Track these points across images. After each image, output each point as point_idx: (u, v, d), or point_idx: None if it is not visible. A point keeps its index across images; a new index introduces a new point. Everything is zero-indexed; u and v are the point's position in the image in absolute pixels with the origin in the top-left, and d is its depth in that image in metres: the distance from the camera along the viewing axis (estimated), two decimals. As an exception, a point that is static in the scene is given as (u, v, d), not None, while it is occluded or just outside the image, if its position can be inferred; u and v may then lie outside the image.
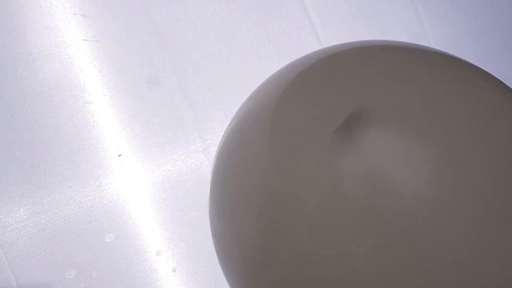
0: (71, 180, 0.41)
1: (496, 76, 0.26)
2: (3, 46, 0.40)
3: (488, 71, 0.26)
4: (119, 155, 0.43)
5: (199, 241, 0.45)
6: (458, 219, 0.20)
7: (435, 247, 0.20)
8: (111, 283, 0.42)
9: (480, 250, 0.20)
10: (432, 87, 0.23)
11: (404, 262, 0.20)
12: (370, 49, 0.28)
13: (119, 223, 0.42)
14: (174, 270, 0.44)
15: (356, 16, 0.57)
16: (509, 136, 0.21)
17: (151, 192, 0.44)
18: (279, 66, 0.31)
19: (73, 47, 0.43)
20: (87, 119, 0.42)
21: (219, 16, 0.49)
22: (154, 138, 0.45)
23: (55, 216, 0.40)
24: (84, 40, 0.43)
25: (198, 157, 0.46)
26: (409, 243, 0.20)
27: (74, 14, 0.43)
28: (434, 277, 0.20)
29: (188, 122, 0.46)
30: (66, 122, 0.42)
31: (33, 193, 0.40)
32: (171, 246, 0.44)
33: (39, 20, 0.41)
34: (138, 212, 0.43)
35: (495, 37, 0.69)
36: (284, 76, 0.27)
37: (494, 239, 0.20)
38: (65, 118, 0.42)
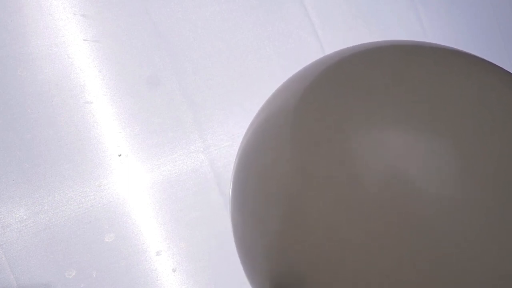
0: (71, 180, 0.41)
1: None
2: (3, 46, 0.40)
3: (488, 71, 0.26)
4: (119, 155, 0.43)
5: (199, 241, 0.45)
6: (472, 216, 0.20)
7: (447, 246, 0.20)
8: (111, 283, 0.42)
9: (483, 249, 0.20)
10: (442, 84, 0.24)
11: (421, 258, 0.21)
12: (377, 51, 0.28)
13: (119, 223, 0.42)
14: (174, 270, 0.44)
15: (356, 16, 0.57)
16: None
17: (151, 192, 0.44)
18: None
19: (73, 47, 0.43)
20: (87, 119, 0.42)
21: (219, 16, 0.49)
22: (154, 138, 0.45)
23: (55, 216, 0.40)
24: (84, 40, 0.43)
25: (198, 157, 0.46)
26: (425, 239, 0.20)
27: (74, 14, 0.43)
28: (442, 274, 0.20)
29: (188, 122, 0.46)
30: (66, 122, 0.42)
31: (33, 193, 0.40)
32: (171, 246, 0.44)
33: (39, 20, 0.42)
34: (138, 212, 0.43)
35: (495, 37, 0.69)
36: (301, 82, 0.29)
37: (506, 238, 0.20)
38: (65, 118, 0.42)
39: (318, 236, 0.23)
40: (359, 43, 0.31)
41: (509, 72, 0.26)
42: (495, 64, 0.27)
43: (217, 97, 0.48)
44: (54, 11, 0.42)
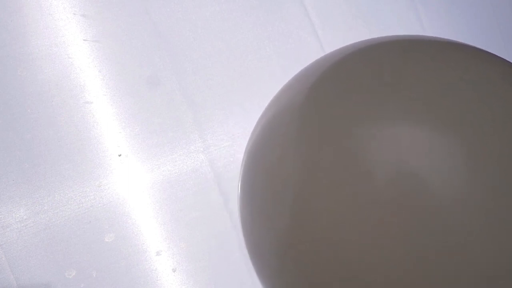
0: (71, 180, 0.41)
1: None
2: (3, 46, 0.40)
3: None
4: (119, 155, 0.43)
5: (199, 241, 0.45)
6: (472, 216, 0.21)
7: (448, 246, 0.20)
8: (111, 283, 0.42)
9: (483, 249, 0.20)
10: (441, 81, 0.24)
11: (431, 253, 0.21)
12: (377, 48, 0.28)
13: (119, 223, 0.42)
14: (174, 270, 0.44)
15: (356, 16, 0.57)
16: None
17: (151, 192, 0.44)
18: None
19: (73, 47, 0.43)
20: (87, 119, 0.42)
21: (219, 16, 0.49)
22: (154, 138, 0.45)
23: (55, 216, 0.40)
24: (84, 40, 0.43)
25: (198, 157, 0.46)
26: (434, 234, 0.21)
27: (74, 14, 0.43)
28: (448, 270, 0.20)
29: (188, 122, 0.46)
30: (66, 122, 0.42)
31: (33, 193, 0.40)
32: (171, 246, 0.44)
33: (39, 20, 0.42)
34: (138, 212, 0.43)
35: (495, 37, 0.69)
36: (304, 81, 0.29)
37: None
38: (65, 118, 0.42)
39: (324, 234, 0.23)
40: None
41: (510, 62, 0.26)
42: (495, 55, 0.27)
43: (217, 97, 0.48)
44: (54, 11, 0.42)
